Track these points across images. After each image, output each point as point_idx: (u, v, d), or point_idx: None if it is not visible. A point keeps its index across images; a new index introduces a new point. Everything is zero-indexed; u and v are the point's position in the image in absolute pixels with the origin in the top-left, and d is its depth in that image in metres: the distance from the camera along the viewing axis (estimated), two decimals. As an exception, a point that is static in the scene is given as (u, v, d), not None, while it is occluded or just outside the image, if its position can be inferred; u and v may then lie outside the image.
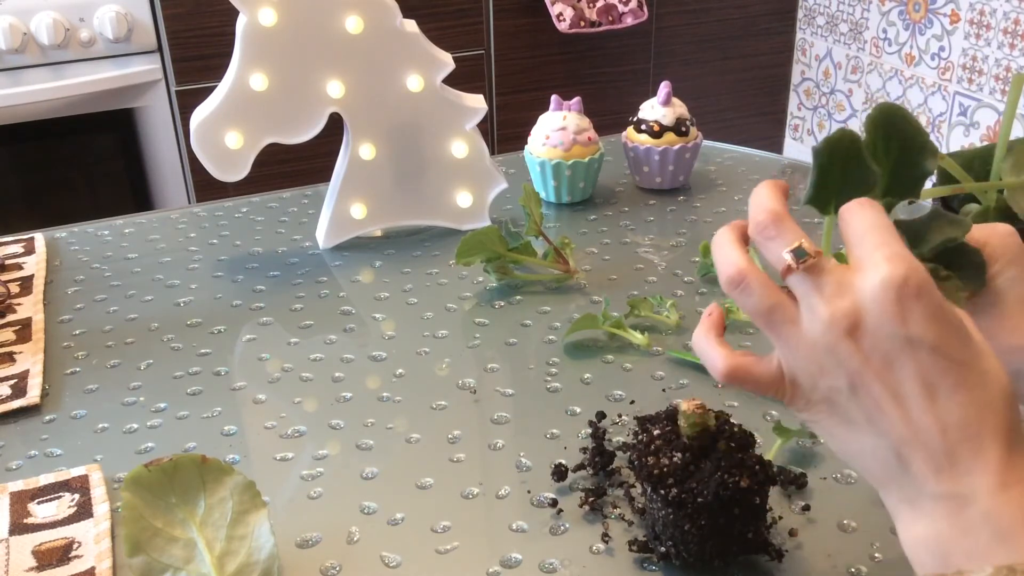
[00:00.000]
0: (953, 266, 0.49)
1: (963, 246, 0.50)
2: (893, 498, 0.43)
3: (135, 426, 0.71)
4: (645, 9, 2.31)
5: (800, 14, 2.62)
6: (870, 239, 0.43)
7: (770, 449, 0.64)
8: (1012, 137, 0.74)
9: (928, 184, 0.52)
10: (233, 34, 0.87)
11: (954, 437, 0.41)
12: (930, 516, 0.41)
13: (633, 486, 0.62)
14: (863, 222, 0.44)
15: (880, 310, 0.41)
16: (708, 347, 0.48)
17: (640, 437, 0.61)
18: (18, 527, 0.61)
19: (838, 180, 0.47)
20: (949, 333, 0.41)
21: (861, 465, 0.44)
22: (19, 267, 0.95)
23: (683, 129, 1.05)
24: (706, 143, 1.17)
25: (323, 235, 0.98)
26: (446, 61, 0.94)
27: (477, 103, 0.96)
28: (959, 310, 0.43)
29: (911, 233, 0.49)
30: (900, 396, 0.41)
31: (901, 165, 0.49)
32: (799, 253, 0.43)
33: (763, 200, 0.46)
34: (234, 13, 0.87)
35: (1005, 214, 0.74)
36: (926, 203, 0.52)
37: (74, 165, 2.06)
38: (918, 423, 0.41)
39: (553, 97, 1.05)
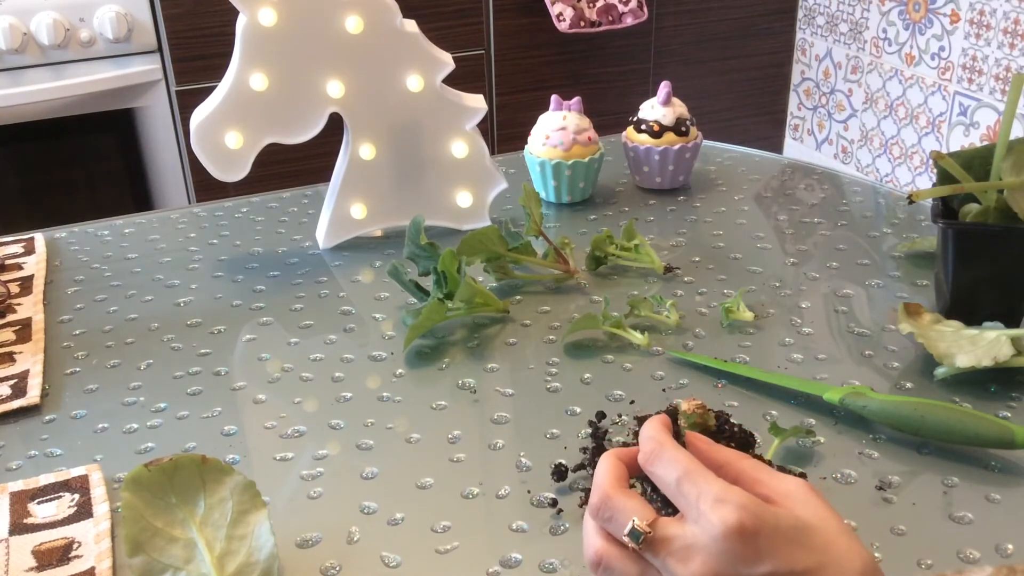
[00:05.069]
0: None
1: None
2: None
3: (135, 426, 0.71)
4: (645, 9, 2.31)
5: (800, 14, 2.62)
6: (685, 490, 0.44)
7: (770, 448, 0.64)
8: (1012, 137, 0.74)
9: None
10: (233, 34, 0.87)
11: None
12: None
13: (633, 486, 0.62)
14: (668, 472, 0.45)
15: (733, 560, 0.42)
16: None
17: (640, 437, 0.61)
18: (18, 527, 0.61)
19: None
20: (795, 547, 0.42)
21: None
22: (19, 267, 0.95)
23: (683, 129, 1.05)
24: (706, 143, 1.17)
25: (323, 235, 0.98)
26: (446, 61, 0.94)
27: (477, 103, 0.96)
28: (788, 512, 0.43)
29: None
30: None
31: None
32: (634, 536, 0.44)
33: (598, 479, 0.48)
34: (234, 13, 0.87)
35: (1005, 214, 0.74)
36: None
37: (74, 165, 2.06)
38: None
39: (553, 97, 1.05)
